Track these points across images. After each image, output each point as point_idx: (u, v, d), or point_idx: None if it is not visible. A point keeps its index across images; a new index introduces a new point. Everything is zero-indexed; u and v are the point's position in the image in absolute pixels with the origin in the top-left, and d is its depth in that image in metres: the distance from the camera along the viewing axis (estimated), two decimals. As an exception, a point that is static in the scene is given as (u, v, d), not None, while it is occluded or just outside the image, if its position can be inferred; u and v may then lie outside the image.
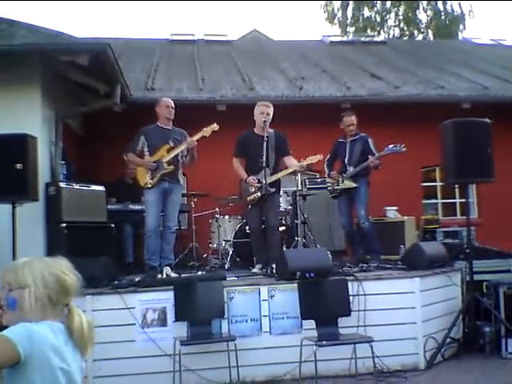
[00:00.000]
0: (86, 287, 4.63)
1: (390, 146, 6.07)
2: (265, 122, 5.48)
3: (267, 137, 5.43)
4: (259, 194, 5.52)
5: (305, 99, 8.28)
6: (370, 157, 6.08)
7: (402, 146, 6.03)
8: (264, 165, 5.33)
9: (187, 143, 5.45)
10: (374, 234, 6.24)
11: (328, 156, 6.54)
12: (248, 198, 5.68)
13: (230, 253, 6.56)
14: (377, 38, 16.23)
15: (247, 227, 6.22)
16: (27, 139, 4.88)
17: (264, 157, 5.31)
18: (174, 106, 5.66)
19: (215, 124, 5.44)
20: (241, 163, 5.76)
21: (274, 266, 5.15)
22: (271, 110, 5.59)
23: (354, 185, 6.15)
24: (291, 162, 5.63)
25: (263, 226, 5.70)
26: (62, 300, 1.64)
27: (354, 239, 6.49)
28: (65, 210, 5.49)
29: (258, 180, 5.52)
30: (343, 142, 6.43)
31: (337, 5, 22.55)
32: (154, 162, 5.45)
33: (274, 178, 5.58)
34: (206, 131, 5.45)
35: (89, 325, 1.67)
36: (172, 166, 5.47)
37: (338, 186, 6.26)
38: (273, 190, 5.49)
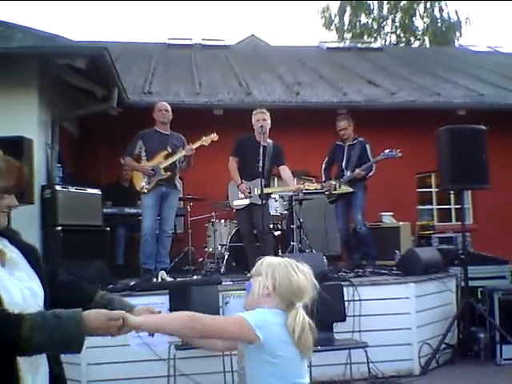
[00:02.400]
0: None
1: (386, 151, 6.10)
2: (261, 127, 5.49)
3: (264, 146, 5.46)
4: (247, 202, 5.55)
5: (301, 105, 8.30)
6: (357, 170, 6.12)
7: (398, 151, 6.07)
8: (260, 169, 5.33)
9: (186, 151, 5.46)
10: (371, 239, 6.25)
11: (326, 160, 6.55)
12: (234, 203, 5.71)
13: (226, 257, 6.55)
14: (373, 45, 16.30)
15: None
16: (23, 142, 4.88)
17: (260, 162, 5.32)
18: (168, 109, 5.66)
19: (215, 134, 5.49)
20: (237, 163, 5.77)
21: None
22: (267, 117, 5.62)
23: (351, 190, 6.16)
24: (286, 173, 5.72)
25: (255, 232, 5.72)
26: (288, 295, 1.71)
27: (349, 244, 6.49)
28: (60, 213, 5.48)
29: (249, 190, 5.54)
30: (341, 145, 6.44)
31: (334, 11, 22.67)
32: (152, 167, 5.45)
33: (269, 191, 5.64)
34: (205, 140, 5.47)
35: (308, 327, 1.72)
36: (169, 173, 5.46)
37: (334, 191, 6.27)
38: (264, 201, 5.47)
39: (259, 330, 1.63)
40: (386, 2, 22.26)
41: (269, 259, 1.80)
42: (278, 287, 1.71)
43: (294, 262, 1.77)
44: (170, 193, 5.54)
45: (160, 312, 1.83)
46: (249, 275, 1.82)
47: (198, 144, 5.48)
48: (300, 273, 1.73)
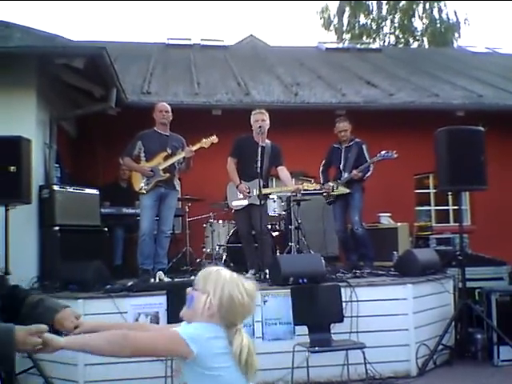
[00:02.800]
0: (78, 291, 4.63)
1: (382, 152, 6.12)
2: (260, 127, 5.49)
3: (263, 147, 5.46)
4: (246, 202, 5.55)
5: (300, 105, 8.30)
6: (354, 171, 6.13)
7: (394, 152, 6.09)
8: (258, 171, 5.32)
9: (185, 153, 5.46)
10: (368, 240, 6.26)
11: (323, 162, 6.57)
12: (233, 203, 5.71)
13: (224, 257, 6.55)
14: (372, 46, 16.33)
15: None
16: (21, 142, 4.87)
17: (259, 163, 5.32)
18: (168, 110, 5.65)
19: (214, 136, 5.50)
20: (235, 164, 5.77)
21: (267, 271, 5.15)
22: (266, 117, 5.61)
23: (348, 191, 6.17)
24: (284, 174, 5.71)
25: (253, 232, 5.73)
26: (230, 317, 1.71)
27: (347, 245, 6.50)
28: (58, 213, 5.47)
29: (249, 190, 5.53)
30: (338, 147, 6.46)
31: (333, 11, 22.70)
32: (151, 168, 5.44)
33: (268, 191, 5.65)
34: (205, 143, 5.47)
35: (249, 351, 1.70)
36: (168, 174, 5.46)
37: (332, 192, 6.28)
38: (263, 202, 5.47)
39: (193, 344, 1.61)
40: (385, 3, 22.31)
41: (216, 274, 1.76)
42: (221, 308, 1.70)
43: (241, 281, 1.75)
44: (168, 193, 5.53)
45: (80, 316, 1.81)
46: (195, 287, 1.80)
47: (197, 146, 5.48)
48: (246, 295, 1.72)
